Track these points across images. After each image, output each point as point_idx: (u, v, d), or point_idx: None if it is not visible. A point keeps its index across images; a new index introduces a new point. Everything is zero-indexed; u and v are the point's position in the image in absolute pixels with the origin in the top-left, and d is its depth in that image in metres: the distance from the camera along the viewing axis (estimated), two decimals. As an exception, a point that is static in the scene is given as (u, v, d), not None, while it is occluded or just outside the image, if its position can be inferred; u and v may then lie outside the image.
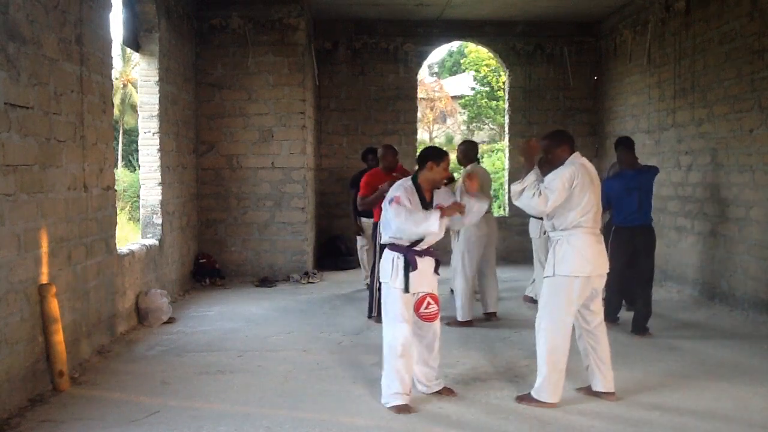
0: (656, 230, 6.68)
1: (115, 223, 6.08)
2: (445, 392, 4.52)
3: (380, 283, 4.47)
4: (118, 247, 6.21)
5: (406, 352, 4.23)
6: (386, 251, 4.34)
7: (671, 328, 6.46)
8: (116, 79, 6.82)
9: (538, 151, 4.51)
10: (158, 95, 7.53)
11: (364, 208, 6.99)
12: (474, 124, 29.87)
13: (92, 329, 5.46)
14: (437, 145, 31.76)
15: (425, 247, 4.34)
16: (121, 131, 28.53)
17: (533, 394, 4.34)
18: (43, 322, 4.53)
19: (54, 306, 4.56)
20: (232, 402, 4.42)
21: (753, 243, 6.87)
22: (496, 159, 20.43)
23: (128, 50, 18.28)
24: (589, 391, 4.50)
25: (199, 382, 4.84)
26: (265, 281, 8.91)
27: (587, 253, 4.26)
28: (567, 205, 4.26)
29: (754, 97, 6.82)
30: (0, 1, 4.09)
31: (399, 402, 4.22)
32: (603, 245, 4.40)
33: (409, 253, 4.25)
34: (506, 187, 10.50)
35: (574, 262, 4.24)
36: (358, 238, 8.55)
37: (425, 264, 4.33)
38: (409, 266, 4.23)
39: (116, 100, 25.53)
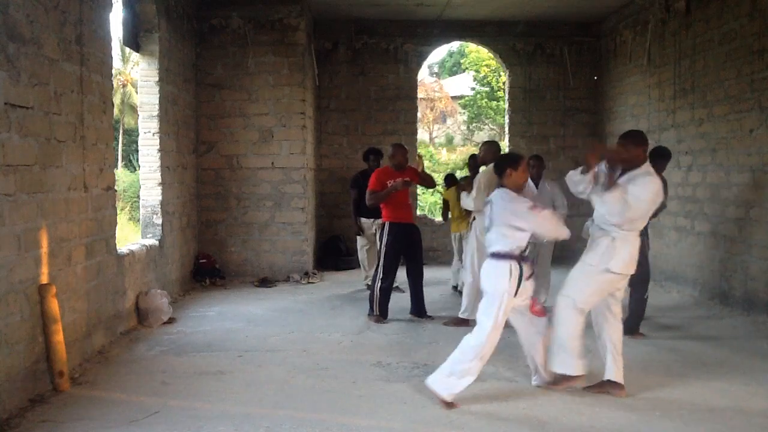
0: (656, 230, 6.68)
1: (115, 223, 6.08)
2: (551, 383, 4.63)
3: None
4: (118, 247, 6.20)
5: (486, 357, 4.34)
6: (498, 260, 4.39)
7: (671, 329, 6.46)
8: (114, 77, 6.81)
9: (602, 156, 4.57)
10: (158, 95, 7.53)
11: (373, 203, 6.92)
12: (474, 125, 29.88)
13: (92, 329, 5.46)
14: (438, 145, 31.81)
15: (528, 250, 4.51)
16: (121, 131, 28.52)
17: (562, 371, 4.46)
18: (43, 322, 4.53)
19: (54, 306, 4.56)
20: (232, 402, 4.42)
21: (753, 243, 6.87)
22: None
23: (128, 50, 18.28)
24: (600, 386, 4.56)
25: (199, 382, 4.84)
26: (265, 281, 8.91)
27: (636, 254, 4.47)
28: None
29: (754, 97, 6.82)
30: (0, 1, 4.10)
31: (450, 398, 4.28)
32: None
33: (523, 261, 4.40)
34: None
35: (628, 261, 4.42)
36: (359, 238, 8.55)
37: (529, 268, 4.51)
38: (523, 273, 4.37)
39: (116, 100, 25.53)
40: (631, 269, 4.47)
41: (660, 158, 6.48)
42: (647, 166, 4.49)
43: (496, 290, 4.35)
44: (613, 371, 4.51)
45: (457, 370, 4.31)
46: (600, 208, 4.44)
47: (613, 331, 4.54)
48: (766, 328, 6.35)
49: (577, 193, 4.62)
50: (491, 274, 4.41)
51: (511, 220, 4.36)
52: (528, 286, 4.46)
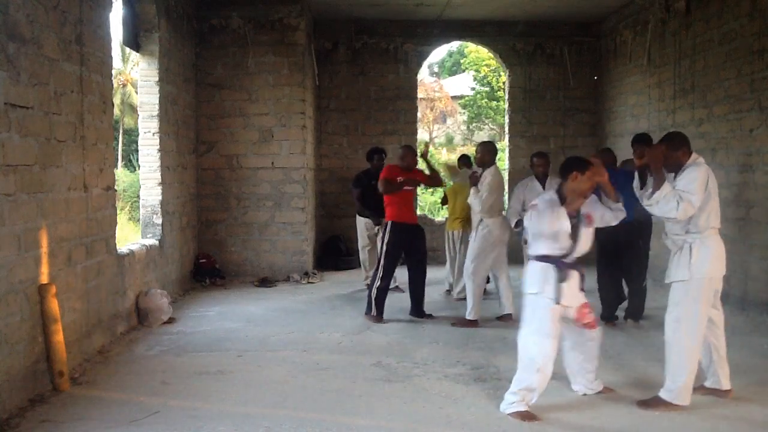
0: (656, 230, 6.66)
1: (115, 223, 6.08)
2: (606, 391, 4.53)
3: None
4: (118, 247, 6.20)
5: (544, 368, 4.13)
6: (534, 263, 4.25)
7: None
8: (114, 77, 6.85)
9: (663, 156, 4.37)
10: (158, 95, 7.53)
11: (386, 190, 6.85)
12: (474, 125, 29.88)
13: (92, 329, 5.46)
14: (438, 145, 31.80)
15: (574, 259, 4.26)
16: (121, 131, 28.52)
17: (666, 397, 4.27)
18: (43, 322, 4.53)
19: (54, 306, 4.56)
20: (232, 402, 4.42)
21: (753, 243, 6.86)
22: (497, 159, 20.41)
23: (128, 50, 18.29)
24: (704, 390, 4.49)
25: (199, 382, 4.84)
26: (265, 281, 8.91)
27: (721, 253, 4.32)
28: (703, 206, 4.25)
29: (754, 97, 6.82)
30: (0, 1, 4.10)
31: (522, 408, 4.13)
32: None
33: (560, 264, 4.19)
34: (506, 187, 10.48)
35: (711, 263, 4.27)
36: (359, 238, 8.54)
37: (574, 277, 4.24)
38: (561, 277, 4.16)
39: (116, 100, 25.52)
40: (720, 271, 4.31)
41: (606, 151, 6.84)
42: (694, 160, 4.34)
43: (532, 294, 4.21)
44: (722, 380, 4.47)
45: (519, 386, 4.16)
46: (655, 211, 4.30)
47: (717, 340, 4.46)
48: (766, 328, 6.35)
49: (674, 216, 4.29)
50: (527, 278, 4.27)
51: (542, 227, 4.18)
52: (570, 291, 4.19)
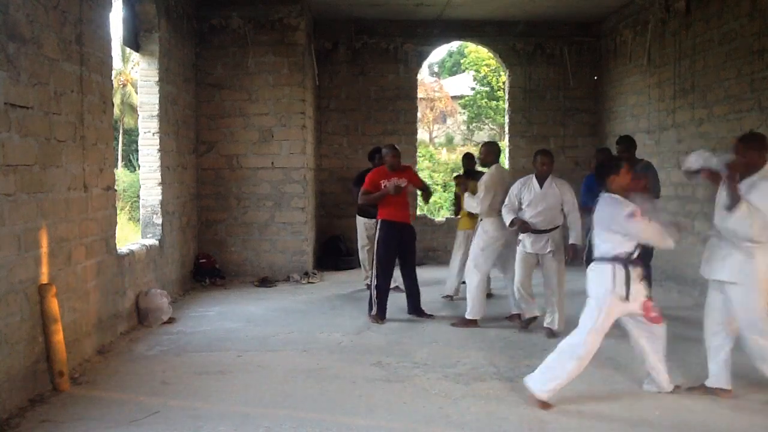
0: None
1: (115, 223, 6.08)
2: (677, 390, 4.60)
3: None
4: (118, 247, 6.21)
5: (584, 361, 4.33)
6: (602, 263, 4.36)
7: (671, 329, 6.44)
8: (114, 77, 6.88)
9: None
10: (158, 95, 7.53)
11: (366, 202, 7.05)
12: (474, 124, 29.86)
13: (92, 329, 5.46)
14: (438, 145, 31.81)
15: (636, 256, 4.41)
16: (121, 131, 28.52)
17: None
18: (43, 322, 4.53)
19: (54, 306, 4.56)
20: (232, 402, 4.42)
21: (753, 243, 6.85)
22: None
23: (128, 50, 18.29)
24: (704, 389, 4.58)
25: (199, 382, 4.84)
26: (265, 281, 8.91)
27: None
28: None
29: (754, 97, 6.82)
30: (0, 1, 4.10)
31: (545, 397, 4.29)
32: None
33: (631, 264, 4.33)
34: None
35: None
36: (359, 237, 8.54)
37: (638, 273, 4.42)
38: (630, 276, 4.31)
39: (116, 100, 25.52)
40: None
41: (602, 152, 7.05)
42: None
43: (598, 294, 4.33)
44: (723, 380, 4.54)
45: (553, 370, 4.31)
46: (729, 228, 4.30)
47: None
48: (766, 328, 6.34)
49: (690, 165, 4.49)
50: (594, 279, 4.39)
51: (610, 224, 4.34)
52: (640, 289, 4.38)
